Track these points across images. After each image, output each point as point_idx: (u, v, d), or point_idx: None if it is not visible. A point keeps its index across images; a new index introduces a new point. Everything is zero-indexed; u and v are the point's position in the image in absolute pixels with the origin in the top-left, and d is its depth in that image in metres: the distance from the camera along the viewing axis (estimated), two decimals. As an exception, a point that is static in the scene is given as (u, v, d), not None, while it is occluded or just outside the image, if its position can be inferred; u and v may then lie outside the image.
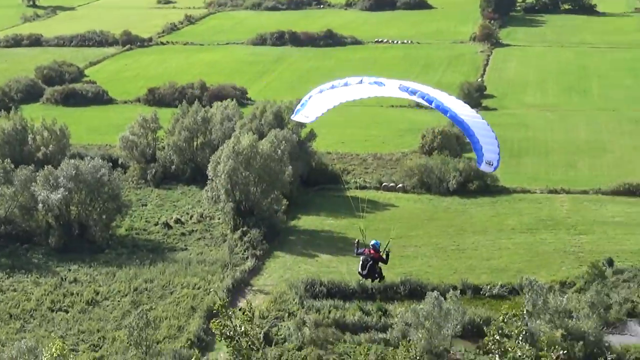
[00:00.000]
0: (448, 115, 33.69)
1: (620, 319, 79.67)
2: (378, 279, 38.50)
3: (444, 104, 33.81)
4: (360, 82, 35.11)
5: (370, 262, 37.72)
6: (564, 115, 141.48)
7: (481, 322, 76.20)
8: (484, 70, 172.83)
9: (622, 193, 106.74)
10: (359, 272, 38.55)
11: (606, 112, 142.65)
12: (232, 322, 25.65)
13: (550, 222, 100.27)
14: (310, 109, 37.03)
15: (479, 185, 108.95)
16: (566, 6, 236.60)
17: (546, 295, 76.75)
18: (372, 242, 38.88)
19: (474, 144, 34.24)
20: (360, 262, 37.98)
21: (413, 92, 34.18)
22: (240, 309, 26.40)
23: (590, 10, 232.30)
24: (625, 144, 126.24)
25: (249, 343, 25.79)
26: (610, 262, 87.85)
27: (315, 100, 36.93)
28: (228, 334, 25.65)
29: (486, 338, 27.13)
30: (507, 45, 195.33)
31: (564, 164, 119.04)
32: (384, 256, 38.39)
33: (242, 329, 25.82)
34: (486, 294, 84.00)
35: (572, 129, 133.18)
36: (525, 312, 75.81)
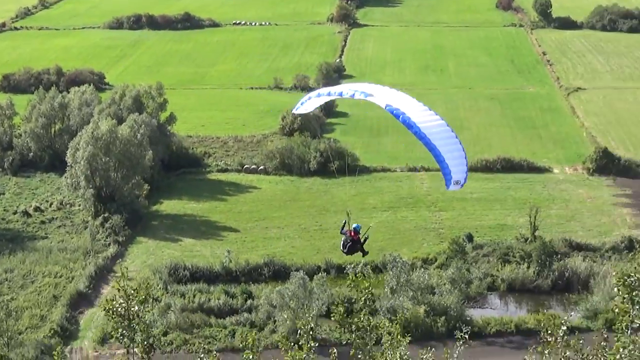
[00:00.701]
0: (423, 142, 35.98)
1: (481, 293, 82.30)
2: (362, 255, 43.25)
3: (421, 131, 36.00)
4: (352, 95, 37.59)
5: (350, 243, 42.49)
6: (421, 93, 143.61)
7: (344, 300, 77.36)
8: (342, 51, 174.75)
9: (480, 169, 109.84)
10: (341, 249, 43.33)
11: (462, 90, 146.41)
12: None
13: (411, 200, 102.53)
14: (309, 106, 40.38)
15: (340, 166, 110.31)
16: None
17: (409, 272, 78.68)
18: (354, 225, 43.04)
19: (443, 169, 36.21)
20: (342, 241, 42.89)
21: (397, 116, 36.34)
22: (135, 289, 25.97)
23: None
24: (481, 121, 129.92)
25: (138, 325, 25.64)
26: (470, 238, 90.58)
27: (313, 100, 40.05)
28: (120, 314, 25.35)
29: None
30: (365, 25, 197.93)
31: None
32: (362, 240, 42.82)
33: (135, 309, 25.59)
34: (349, 273, 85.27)
35: (430, 107, 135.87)
36: (388, 289, 77.87)
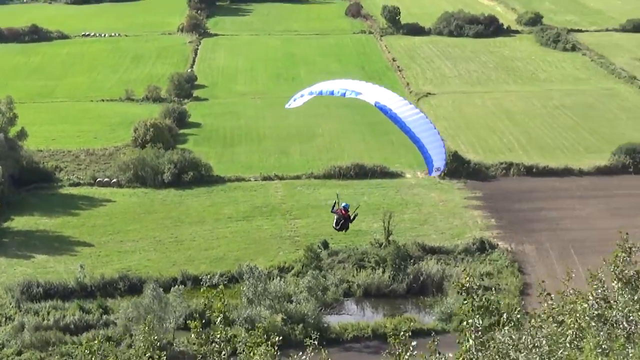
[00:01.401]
0: (408, 135, 40.35)
1: (338, 299, 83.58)
2: (345, 230, 50.50)
3: (406, 125, 40.09)
4: (344, 94, 42.58)
5: (342, 221, 49.41)
6: (274, 102, 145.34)
7: (202, 312, 77.38)
8: (194, 61, 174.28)
9: (333, 176, 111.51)
10: (333, 227, 50.19)
11: (319, 97, 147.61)
12: None
13: (266, 209, 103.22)
14: (300, 102, 46.12)
15: (194, 176, 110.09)
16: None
17: (265, 281, 79.28)
18: (343, 204, 50.18)
19: (426, 157, 40.40)
20: (335, 219, 49.70)
21: (385, 111, 40.89)
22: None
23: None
24: (333, 128, 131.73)
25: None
26: (325, 245, 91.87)
27: (305, 97, 45.52)
28: None
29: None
30: (215, 35, 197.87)
31: (277, 150, 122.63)
32: (352, 217, 50.02)
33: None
34: (206, 284, 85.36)
35: (283, 116, 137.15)
36: (245, 299, 78.24)
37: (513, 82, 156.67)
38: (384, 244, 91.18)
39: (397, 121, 40.54)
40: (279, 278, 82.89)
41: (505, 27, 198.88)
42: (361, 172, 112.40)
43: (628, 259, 28.06)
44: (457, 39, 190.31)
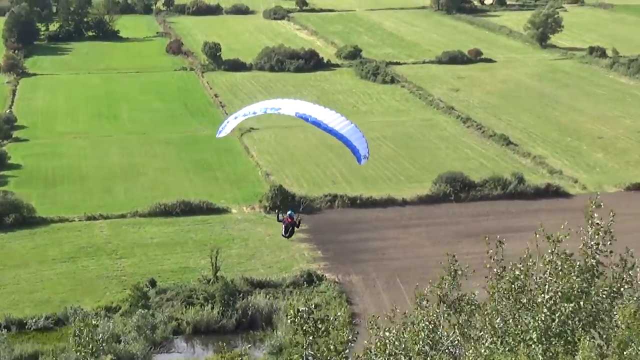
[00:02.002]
0: (331, 133, 44.82)
1: (167, 338, 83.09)
2: (290, 236, 54.95)
3: (328, 126, 44.82)
4: (265, 111, 46.78)
5: (291, 227, 54.09)
6: (96, 141, 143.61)
7: (28, 357, 75.57)
8: (12, 101, 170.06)
9: (159, 214, 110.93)
10: (282, 235, 54.89)
11: (137, 135, 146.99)
12: None
13: (91, 249, 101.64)
14: (228, 128, 48.94)
15: (16, 219, 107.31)
16: (90, 33, 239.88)
17: (93, 322, 77.94)
18: (288, 212, 54.95)
19: (353, 150, 45.12)
20: (283, 228, 54.27)
21: (306, 118, 45.36)
22: None
23: (114, 37, 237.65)
24: (157, 165, 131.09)
25: None
26: (153, 283, 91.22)
27: (231, 123, 48.71)
28: None
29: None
30: (34, 74, 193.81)
31: (101, 189, 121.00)
32: (297, 222, 54.99)
33: None
34: (32, 328, 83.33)
35: (105, 155, 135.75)
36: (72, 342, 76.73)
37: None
38: (212, 280, 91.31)
39: (319, 125, 45.10)
40: (106, 319, 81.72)
41: (325, 61, 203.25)
42: (187, 209, 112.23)
43: (453, 282, 29.35)
44: (278, 74, 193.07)
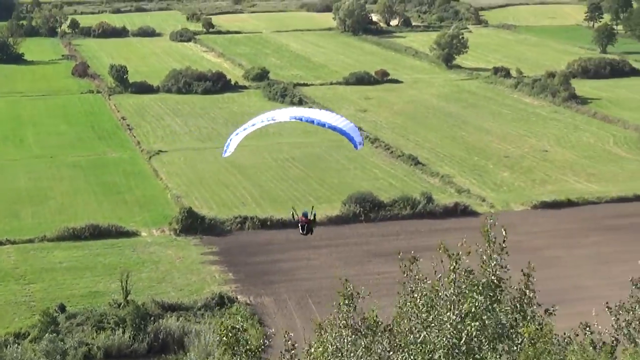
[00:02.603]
0: (326, 127, 50.58)
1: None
2: (310, 233, 57.67)
3: (322, 120, 50.72)
4: (262, 122, 51.89)
5: (305, 225, 57.12)
6: (2, 165, 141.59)
7: None
8: None
9: (67, 238, 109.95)
10: (301, 233, 57.67)
11: (44, 159, 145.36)
12: None
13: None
14: (232, 147, 54.91)
15: None
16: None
17: (1, 349, 77.13)
18: (303, 211, 58.07)
19: (350, 138, 50.43)
20: (300, 227, 57.29)
21: (300, 119, 51.05)
22: None
23: (19, 60, 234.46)
24: (65, 189, 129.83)
25: None
26: (62, 308, 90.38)
27: (234, 140, 54.79)
28: None
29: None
30: None
31: (7, 214, 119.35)
32: (312, 219, 57.64)
33: None
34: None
35: (12, 179, 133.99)
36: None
37: (243, 137, 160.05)
38: (122, 304, 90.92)
39: (313, 122, 50.99)
40: (15, 345, 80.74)
41: (233, 82, 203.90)
42: (96, 233, 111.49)
43: (352, 307, 29.92)
44: (186, 96, 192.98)
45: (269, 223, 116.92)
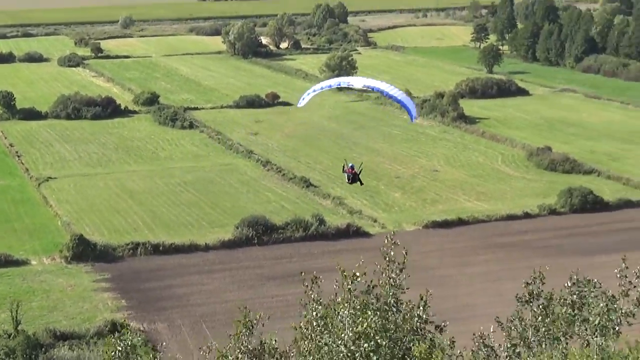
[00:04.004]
0: (392, 99, 58.79)
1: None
2: (360, 184, 68.86)
3: (390, 93, 57.92)
4: (339, 84, 61.56)
5: (352, 176, 67.50)
6: None
7: None
8: None
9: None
10: (347, 182, 69.62)
11: None
12: None
13: None
14: (307, 99, 61.75)
15: None
16: None
17: None
18: (350, 164, 67.82)
19: (409, 112, 59.42)
20: (347, 177, 67.84)
21: (372, 88, 59.01)
22: None
23: None
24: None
25: None
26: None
27: (310, 95, 61.33)
28: None
29: None
30: None
31: None
32: (358, 172, 67.54)
33: None
34: None
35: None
36: None
37: (134, 162, 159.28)
38: (12, 334, 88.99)
39: (383, 93, 58.65)
40: None
41: (123, 107, 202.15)
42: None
43: (249, 333, 30.09)
44: (75, 122, 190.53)
45: (161, 248, 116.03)
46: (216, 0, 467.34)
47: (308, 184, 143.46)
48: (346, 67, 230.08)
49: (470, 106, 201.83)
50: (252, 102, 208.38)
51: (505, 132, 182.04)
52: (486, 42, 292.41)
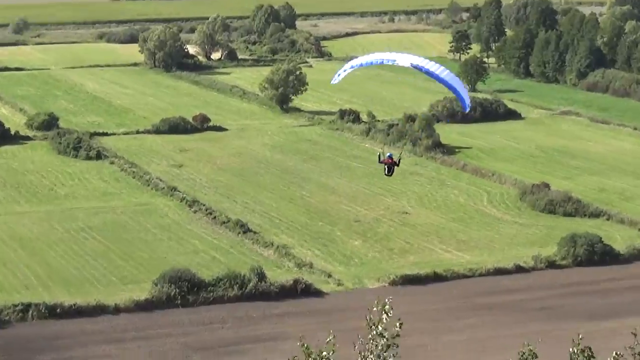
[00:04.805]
0: (442, 82, 64.46)
1: None
2: (390, 174, 78.57)
3: (440, 76, 63.69)
4: (382, 62, 66.65)
5: (391, 167, 76.74)
6: None
7: None
8: None
9: None
10: (385, 174, 78.62)
11: None
12: None
13: None
14: (343, 76, 68.87)
15: None
16: None
17: None
18: (388, 154, 78.27)
19: (462, 99, 66.13)
20: (385, 168, 77.14)
21: (420, 68, 64.26)
22: None
23: None
24: None
25: None
26: None
27: (348, 71, 68.11)
28: None
29: None
30: None
31: None
32: (397, 161, 77.17)
33: None
34: None
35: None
36: None
37: (26, 202, 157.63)
38: None
39: (432, 75, 63.97)
40: None
41: (13, 132, 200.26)
42: None
43: None
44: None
45: (59, 310, 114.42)
46: (132, 0, 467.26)
47: (245, 230, 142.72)
48: (294, 84, 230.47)
49: (448, 132, 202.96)
50: (176, 127, 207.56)
51: (492, 164, 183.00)
52: (468, 53, 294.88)
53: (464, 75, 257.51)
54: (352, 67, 67.62)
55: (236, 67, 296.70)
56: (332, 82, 74.12)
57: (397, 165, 77.53)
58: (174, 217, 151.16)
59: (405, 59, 65.31)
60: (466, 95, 66.00)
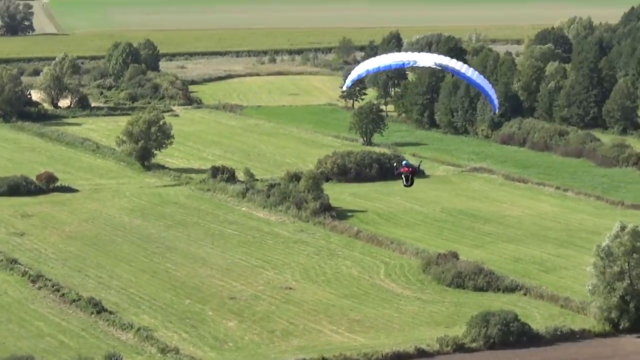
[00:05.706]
0: (469, 81, 70.54)
1: None
2: (411, 184, 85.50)
3: (467, 74, 69.31)
4: (403, 65, 70.73)
5: (410, 176, 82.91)
6: None
7: None
8: None
9: None
10: (404, 185, 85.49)
11: None
12: None
13: None
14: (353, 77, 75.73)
15: None
16: None
17: None
18: (404, 162, 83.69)
19: (491, 99, 71.72)
20: (404, 178, 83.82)
21: (445, 68, 70.37)
22: None
23: None
24: None
25: None
26: None
27: (360, 74, 73.77)
28: None
29: None
30: None
31: None
32: (418, 168, 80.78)
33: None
34: None
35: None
36: None
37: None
38: None
39: (457, 74, 69.72)
40: None
41: None
42: None
43: None
44: None
45: None
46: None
47: (100, 309, 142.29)
48: (157, 136, 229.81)
49: (339, 193, 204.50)
50: (17, 188, 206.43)
51: (391, 231, 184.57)
52: (362, 99, 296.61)
53: (358, 126, 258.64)
54: (367, 70, 72.54)
55: (88, 116, 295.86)
56: (343, 87, 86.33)
57: (417, 173, 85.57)
58: (14, 294, 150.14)
59: (427, 59, 71.46)
60: (494, 95, 72.13)
